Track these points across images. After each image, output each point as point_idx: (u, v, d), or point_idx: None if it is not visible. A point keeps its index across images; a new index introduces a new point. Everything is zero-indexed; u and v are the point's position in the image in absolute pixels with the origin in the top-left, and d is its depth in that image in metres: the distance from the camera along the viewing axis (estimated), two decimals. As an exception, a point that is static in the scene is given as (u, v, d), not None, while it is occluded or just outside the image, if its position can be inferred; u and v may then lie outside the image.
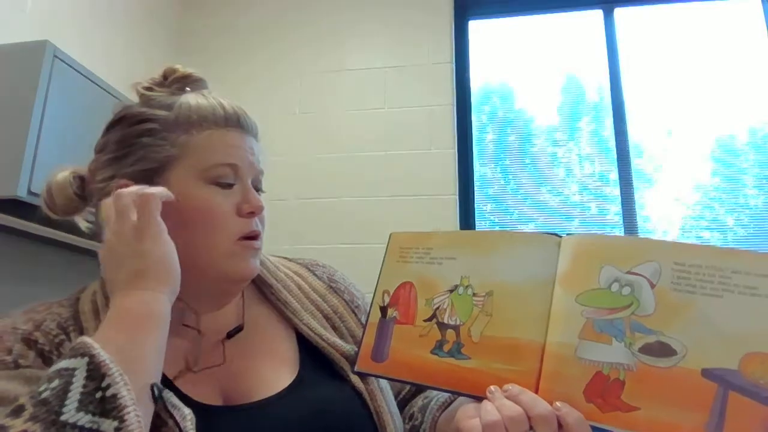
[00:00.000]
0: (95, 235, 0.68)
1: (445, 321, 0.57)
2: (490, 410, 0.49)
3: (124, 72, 2.12)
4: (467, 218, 2.29)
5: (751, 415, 0.44)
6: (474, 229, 2.29)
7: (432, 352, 0.57)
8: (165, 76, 0.69)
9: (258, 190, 0.68)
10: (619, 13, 2.44)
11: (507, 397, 0.50)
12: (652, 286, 0.50)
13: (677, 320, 0.48)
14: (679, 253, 0.50)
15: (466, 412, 0.53)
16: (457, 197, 2.25)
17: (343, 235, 2.25)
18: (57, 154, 1.42)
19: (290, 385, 0.63)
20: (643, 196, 2.23)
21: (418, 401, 0.74)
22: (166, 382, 0.59)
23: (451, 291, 0.58)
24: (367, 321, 0.63)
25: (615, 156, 2.27)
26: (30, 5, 1.76)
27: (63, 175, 0.68)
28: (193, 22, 2.66)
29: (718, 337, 0.46)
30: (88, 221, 0.70)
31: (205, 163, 0.63)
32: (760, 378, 0.44)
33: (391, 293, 0.62)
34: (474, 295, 0.57)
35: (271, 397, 0.61)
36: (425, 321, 0.59)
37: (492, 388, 0.51)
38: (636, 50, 2.38)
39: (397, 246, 0.65)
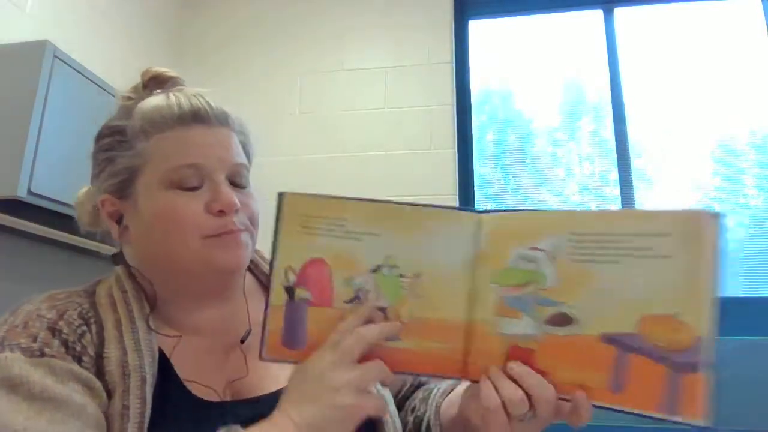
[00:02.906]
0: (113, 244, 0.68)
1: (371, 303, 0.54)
2: (490, 394, 0.50)
3: (124, 72, 2.12)
4: (467, 218, 2.29)
5: (649, 373, 0.47)
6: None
7: None
8: (141, 80, 0.68)
9: (237, 185, 0.64)
10: (619, 13, 2.44)
11: (512, 376, 0.50)
12: (553, 259, 0.51)
13: (578, 290, 0.50)
14: (577, 223, 0.51)
15: (470, 394, 0.56)
16: (457, 197, 2.25)
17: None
18: (57, 154, 1.42)
19: None
20: (643, 196, 2.23)
21: (419, 394, 0.75)
22: (175, 380, 0.60)
23: (375, 270, 0.55)
24: (268, 304, 0.55)
25: (615, 156, 2.27)
26: (30, 5, 1.76)
27: (82, 191, 0.70)
28: (192, 22, 2.66)
29: (616, 302, 0.48)
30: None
31: (164, 168, 0.61)
32: (657, 340, 0.47)
33: (297, 270, 0.55)
34: (401, 276, 0.54)
35: (277, 391, 0.61)
36: (346, 303, 0.54)
37: (493, 368, 0.51)
38: (636, 50, 2.38)
39: (295, 213, 0.55)
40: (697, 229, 0.47)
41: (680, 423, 0.46)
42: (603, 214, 0.52)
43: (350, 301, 0.55)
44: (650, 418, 0.47)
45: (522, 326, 0.52)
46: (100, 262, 1.86)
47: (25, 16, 1.74)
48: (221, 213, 0.60)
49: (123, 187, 0.63)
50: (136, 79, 0.69)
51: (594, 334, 0.49)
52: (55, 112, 1.43)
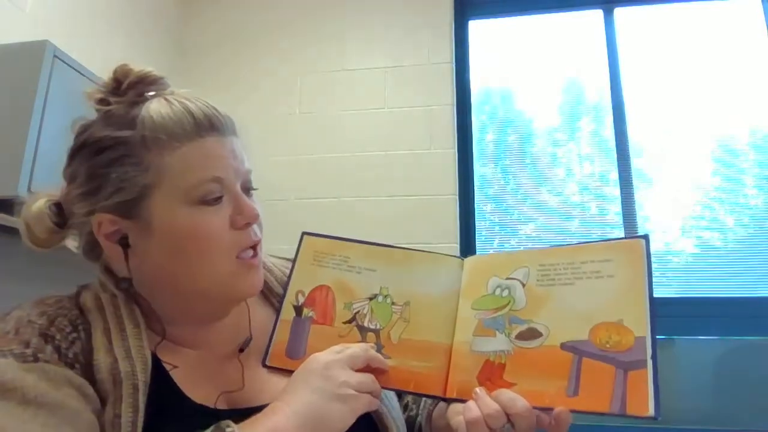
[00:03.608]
0: (86, 253, 0.65)
1: (366, 324, 0.64)
2: (472, 408, 0.54)
3: (124, 72, 2.12)
4: (467, 218, 2.29)
5: (600, 375, 0.53)
6: (474, 229, 2.29)
7: None
8: (118, 80, 0.61)
9: (249, 189, 0.64)
10: (619, 13, 2.44)
11: (489, 393, 0.55)
12: (523, 285, 0.61)
13: (542, 309, 0.59)
14: (543, 257, 0.62)
15: (456, 408, 0.58)
16: (457, 197, 2.24)
17: (343, 235, 2.25)
18: (57, 154, 1.41)
19: None
20: (643, 196, 2.23)
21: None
22: (171, 388, 0.59)
23: (371, 298, 0.65)
24: (278, 318, 0.66)
25: (615, 156, 2.27)
26: (30, 5, 1.75)
27: (38, 206, 0.62)
28: (193, 22, 2.66)
29: (573, 316, 0.57)
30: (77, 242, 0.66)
31: (185, 183, 0.57)
32: (606, 343, 0.54)
33: (306, 294, 0.66)
34: (393, 303, 0.65)
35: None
36: (344, 323, 0.64)
37: (477, 389, 0.56)
38: (636, 50, 2.38)
39: (311, 249, 0.69)
40: (631, 252, 0.57)
41: (631, 417, 0.51)
42: (563, 249, 0.62)
43: (348, 322, 0.64)
44: (604, 416, 0.53)
45: (496, 343, 0.59)
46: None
47: (25, 16, 1.73)
48: (247, 225, 0.61)
49: (131, 206, 0.58)
50: (88, 88, 0.63)
51: (555, 344, 0.56)
52: (55, 112, 1.43)
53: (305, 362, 0.57)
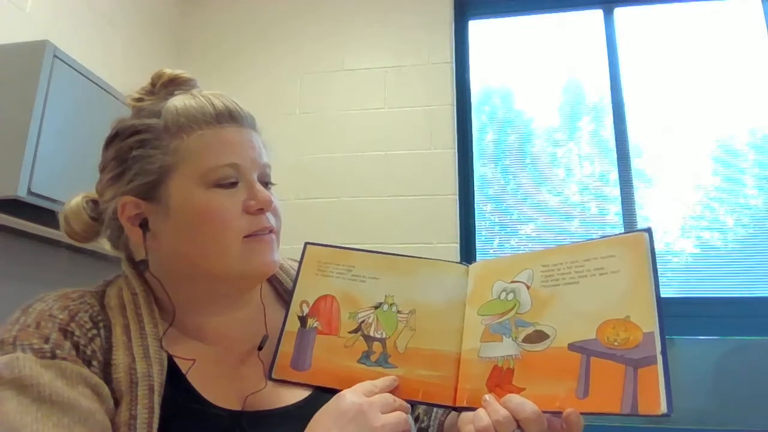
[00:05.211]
0: (112, 241, 0.66)
1: (371, 334, 0.64)
2: (482, 416, 0.54)
3: (124, 72, 2.12)
4: (467, 218, 2.29)
5: (610, 374, 0.52)
6: (474, 229, 2.29)
7: (359, 362, 0.62)
8: (153, 83, 0.67)
9: (267, 183, 0.66)
10: (619, 13, 2.44)
11: (497, 400, 0.54)
12: (528, 287, 0.60)
13: (547, 310, 0.58)
14: (545, 258, 0.61)
15: (467, 417, 0.57)
16: (457, 197, 2.25)
17: (343, 235, 2.25)
18: (57, 154, 1.42)
19: (309, 396, 0.62)
20: (643, 196, 2.23)
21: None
22: (186, 389, 0.59)
23: (376, 307, 0.65)
24: (283, 329, 0.65)
25: (615, 156, 2.27)
26: (30, 5, 1.75)
27: (75, 201, 0.66)
28: (193, 22, 2.66)
29: (578, 315, 0.56)
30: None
31: (202, 166, 0.60)
32: (614, 340, 0.53)
33: (311, 304, 0.66)
34: (398, 312, 0.64)
35: (292, 405, 0.61)
36: (350, 333, 0.64)
37: (486, 396, 0.56)
38: (636, 50, 2.38)
39: (314, 259, 0.69)
40: (634, 247, 0.56)
41: (643, 416, 0.49)
42: (565, 248, 0.61)
43: (353, 332, 0.64)
44: (617, 416, 0.51)
45: (503, 348, 0.58)
46: (100, 262, 1.86)
47: (25, 16, 1.73)
48: (260, 211, 0.62)
49: (151, 188, 0.61)
50: (138, 79, 0.67)
51: (562, 345, 0.55)
52: (55, 112, 1.43)
53: (336, 403, 0.55)
